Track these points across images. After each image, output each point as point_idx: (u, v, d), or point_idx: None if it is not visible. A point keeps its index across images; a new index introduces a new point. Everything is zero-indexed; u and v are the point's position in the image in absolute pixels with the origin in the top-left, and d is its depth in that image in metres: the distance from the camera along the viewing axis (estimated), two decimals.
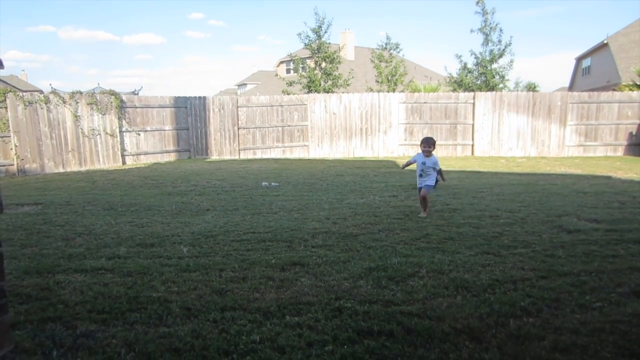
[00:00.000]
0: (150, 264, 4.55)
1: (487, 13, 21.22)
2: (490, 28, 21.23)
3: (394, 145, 18.12)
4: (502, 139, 17.64)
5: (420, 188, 6.78)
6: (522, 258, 4.64)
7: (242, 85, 52.00)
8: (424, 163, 6.71)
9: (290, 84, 23.07)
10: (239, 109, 17.78)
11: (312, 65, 23.26)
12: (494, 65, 21.75)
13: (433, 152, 6.73)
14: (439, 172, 6.81)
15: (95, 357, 2.75)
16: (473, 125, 17.67)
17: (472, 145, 17.81)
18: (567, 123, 17.60)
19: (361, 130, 18.18)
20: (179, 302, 3.57)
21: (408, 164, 7.11)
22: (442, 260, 4.54)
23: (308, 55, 24.27)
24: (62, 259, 4.76)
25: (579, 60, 37.33)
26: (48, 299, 3.65)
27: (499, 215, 6.69)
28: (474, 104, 17.67)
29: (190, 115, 17.30)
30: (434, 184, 6.76)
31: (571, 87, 38.18)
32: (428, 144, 6.73)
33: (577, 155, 17.55)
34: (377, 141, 18.18)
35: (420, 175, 6.77)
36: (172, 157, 16.91)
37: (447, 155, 17.52)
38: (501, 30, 21.26)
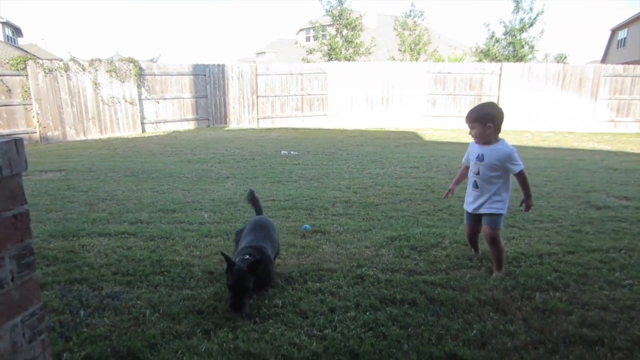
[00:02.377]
0: (172, 229, 4.58)
1: None
2: None
3: (416, 116, 17.79)
4: (528, 112, 17.13)
5: (473, 217, 3.61)
6: (548, 232, 4.53)
7: (260, 53, 51.43)
8: (479, 159, 3.44)
9: (311, 51, 22.71)
10: (258, 77, 17.60)
11: (333, 32, 22.79)
12: (524, 35, 20.98)
13: (495, 137, 3.41)
14: (521, 180, 3.44)
15: (121, 317, 2.79)
16: (498, 97, 17.19)
17: None
18: (599, 97, 16.94)
19: (382, 100, 17.88)
20: (201, 266, 3.60)
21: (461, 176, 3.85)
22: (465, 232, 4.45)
23: (329, 23, 23.77)
24: (86, 223, 4.82)
25: (614, 31, 35.75)
26: (74, 261, 3.71)
27: None
28: (500, 75, 17.15)
29: (209, 83, 17.20)
30: (503, 211, 3.45)
31: (604, 60, 36.72)
32: (468, 120, 3.46)
33: (607, 131, 16.88)
34: (398, 112, 17.87)
35: (475, 186, 3.51)
36: (191, 126, 16.93)
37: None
38: None
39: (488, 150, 3.40)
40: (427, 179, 7.24)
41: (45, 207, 5.51)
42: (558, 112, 17.08)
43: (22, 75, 12.98)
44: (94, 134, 14.46)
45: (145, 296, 3.08)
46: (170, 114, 16.42)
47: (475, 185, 3.48)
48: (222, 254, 2.97)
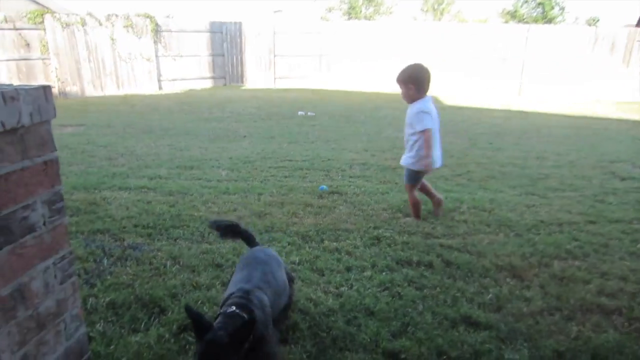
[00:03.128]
0: (190, 185, 4.63)
1: None
2: None
3: (435, 80, 17.38)
4: (553, 77, 16.57)
5: None
6: (569, 201, 4.46)
7: (278, 11, 50.34)
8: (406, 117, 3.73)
9: (330, 10, 22.14)
10: (275, 35, 17.27)
11: None
12: None
13: (419, 99, 3.60)
14: (425, 139, 3.53)
15: (143, 267, 2.86)
16: (524, 61, 16.61)
17: (520, 84, 16.89)
18: (631, 63, 16.17)
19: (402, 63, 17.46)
20: None
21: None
22: (484, 198, 4.43)
23: None
24: (107, 177, 4.89)
25: None
26: (96, 213, 3.78)
27: (546, 157, 6.42)
28: (527, 37, 16.52)
29: (225, 41, 16.95)
30: (412, 166, 3.70)
31: None
32: (398, 81, 3.65)
33: (638, 100, 16.16)
34: None
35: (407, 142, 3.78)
36: (207, 84, 16.82)
37: (489, 96, 16.75)
38: None
39: (408, 109, 3.66)
40: (446, 143, 7.05)
41: (66, 161, 5.58)
42: (585, 78, 16.43)
43: (39, 30, 12.92)
44: (111, 90, 14.47)
45: (165, 248, 3.14)
46: (186, 72, 16.30)
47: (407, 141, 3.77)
48: (187, 309, 1.62)
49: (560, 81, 16.53)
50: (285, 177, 5.07)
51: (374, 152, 6.36)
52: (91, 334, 2.11)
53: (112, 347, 2.05)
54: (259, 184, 4.74)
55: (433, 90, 13.33)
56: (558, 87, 16.54)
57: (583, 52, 16.33)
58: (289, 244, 3.27)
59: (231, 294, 1.85)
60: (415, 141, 3.61)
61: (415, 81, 3.55)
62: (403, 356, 2.10)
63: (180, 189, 4.50)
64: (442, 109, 11.77)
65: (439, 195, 4.00)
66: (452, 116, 10.42)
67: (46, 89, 1.37)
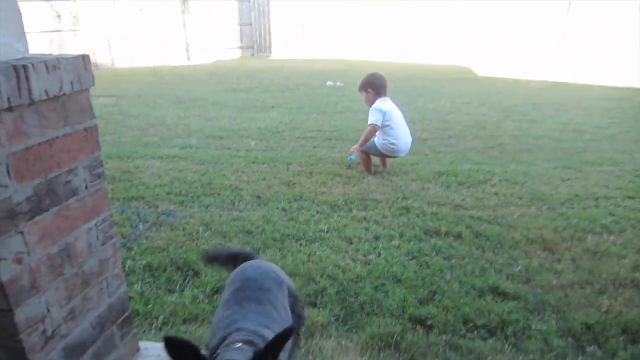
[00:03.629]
0: (220, 155, 4.70)
1: None
2: None
3: (469, 49, 16.87)
4: (596, 47, 15.79)
5: None
6: (607, 176, 4.32)
7: None
8: None
9: None
10: (302, 3, 16.98)
11: None
12: None
13: (379, 99, 4.26)
14: (368, 128, 4.21)
15: (177, 232, 2.96)
16: (564, 30, 15.86)
17: (559, 54, 16.19)
18: None
19: (432, 33, 16.96)
20: (249, 191, 3.71)
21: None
22: (517, 171, 4.34)
23: None
24: (139, 147, 5.01)
25: None
26: (130, 181, 3.90)
27: (584, 130, 6.18)
28: (569, 3, 15.72)
29: (253, 10, 16.81)
30: (379, 145, 4.22)
31: None
32: (362, 86, 4.39)
33: None
34: (449, 45, 16.97)
35: None
36: (235, 54, 16.80)
37: (526, 66, 16.11)
38: None
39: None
40: (479, 115, 6.97)
41: (100, 131, 5.58)
42: (632, 49, 15.48)
43: (70, 1, 13.06)
44: (140, 61, 14.60)
45: (197, 215, 3.23)
46: (214, 42, 16.29)
47: None
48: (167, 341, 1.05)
49: (603, 51, 15.72)
50: (314, 147, 5.08)
51: None
52: (130, 294, 2.21)
53: (149, 306, 2.16)
54: (287, 154, 4.78)
55: (467, 61, 12.95)
56: (601, 57, 15.75)
57: (629, 21, 15.42)
58: (317, 213, 3.31)
59: (225, 336, 1.27)
60: (380, 131, 4.22)
61: (371, 86, 4.28)
62: (429, 322, 2.14)
63: (210, 158, 4.57)
64: (475, 80, 11.47)
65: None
66: (485, 87, 10.13)
67: (85, 58, 1.41)
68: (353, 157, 4.55)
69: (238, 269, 1.61)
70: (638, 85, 11.26)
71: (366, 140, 4.21)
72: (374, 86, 4.28)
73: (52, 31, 12.92)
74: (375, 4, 16.89)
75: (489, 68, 13.96)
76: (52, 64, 1.26)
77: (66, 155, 1.35)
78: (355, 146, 4.27)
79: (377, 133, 4.25)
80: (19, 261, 1.16)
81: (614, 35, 15.63)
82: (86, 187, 1.43)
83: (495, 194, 3.76)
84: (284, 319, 1.42)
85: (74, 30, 13.28)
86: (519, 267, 2.65)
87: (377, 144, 4.22)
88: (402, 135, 4.21)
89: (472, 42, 16.79)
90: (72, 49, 13.33)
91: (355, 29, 17.38)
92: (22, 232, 1.16)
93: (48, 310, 1.27)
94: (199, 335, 1.97)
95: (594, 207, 3.56)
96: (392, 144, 4.15)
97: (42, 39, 12.75)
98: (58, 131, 1.31)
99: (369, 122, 4.19)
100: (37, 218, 1.21)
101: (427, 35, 17.04)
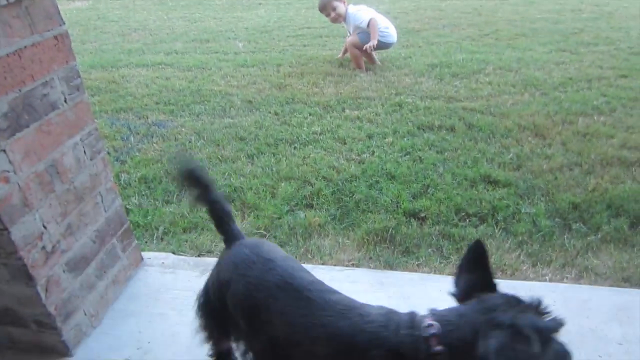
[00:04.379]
0: (207, 59, 4.54)
1: None
2: None
3: None
4: None
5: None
6: (602, 56, 4.21)
7: None
8: (349, 33, 4.35)
9: None
10: None
11: None
12: None
13: (348, 10, 4.23)
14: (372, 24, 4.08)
15: (169, 142, 2.96)
16: None
17: None
18: None
19: None
20: (239, 96, 3.64)
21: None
22: (511, 57, 4.22)
23: None
24: (122, 54, 4.82)
25: None
26: (117, 92, 3.81)
27: (582, 8, 5.91)
28: None
29: None
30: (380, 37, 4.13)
31: None
32: (324, 9, 4.30)
33: None
34: None
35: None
36: None
37: None
38: None
39: (347, 25, 4.29)
40: (475, 0, 6.61)
41: (79, 38, 5.48)
42: None
43: None
44: None
45: (188, 124, 3.20)
46: None
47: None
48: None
49: None
50: (304, 46, 4.89)
51: (396, 15, 5.96)
52: (128, 207, 2.27)
53: (149, 217, 2.22)
54: (277, 55, 4.61)
55: None
56: None
57: None
58: (310, 115, 3.28)
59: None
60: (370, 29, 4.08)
61: (329, 5, 4.15)
62: (423, 214, 2.21)
63: (197, 63, 4.42)
64: None
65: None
66: None
67: None
68: None
69: (235, 250, 1.14)
70: None
71: (376, 31, 4.01)
72: None
73: None
74: None
75: None
76: None
77: (38, 67, 1.30)
78: (372, 41, 3.99)
79: (362, 32, 4.11)
80: (5, 180, 1.17)
81: None
82: (65, 101, 1.40)
83: (489, 83, 3.70)
84: None
85: None
86: (511, 155, 2.69)
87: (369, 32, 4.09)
88: (389, 23, 4.17)
89: None
90: None
91: None
92: (4, 150, 1.15)
93: (45, 227, 1.31)
94: (201, 242, 2.04)
95: (587, 90, 3.53)
96: (386, 27, 4.10)
97: None
98: (25, 40, 1.25)
99: (367, 20, 4.03)
100: (17, 135, 1.20)
101: None
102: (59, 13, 1.38)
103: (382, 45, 4.14)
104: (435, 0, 6.72)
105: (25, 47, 1.24)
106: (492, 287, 0.88)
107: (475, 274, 0.90)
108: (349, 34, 4.32)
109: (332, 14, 4.19)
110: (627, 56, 4.19)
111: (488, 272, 0.90)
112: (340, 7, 4.16)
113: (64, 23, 1.39)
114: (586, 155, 2.63)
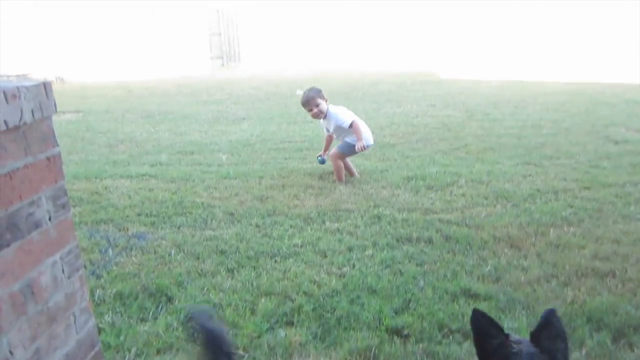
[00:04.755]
0: (191, 171, 4.67)
1: None
2: None
3: (431, 52, 17.22)
4: (549, 46, 16.38)
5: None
6: (564, 169, 4.50)
7: None
8: (327, 131, 4.57)
9: None
10: (271, 13, 17.03)
11: None
12: None
13: (329, 109, 4.38)
14: (354, 128, 4.27)
15: (148, 256, 2.92)
16: (516, 31, 16.33)
17: (514, 53, 16.70)
18: None
19: (395, 39, 17.24)
20: (221, 208, 3.69)
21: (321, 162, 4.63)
22: (482, 170, 4.47)
23: None
24: (108, 165, 4.93)
25: None
26: (99, 203, 3.84)
27: (541, 125, 6.42)
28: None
29: (222, 19, 16.76)
30: (353, 141, 4.29)
31: None
32: (307, 104, 4.41)
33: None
34: (409, 50, 17.29)
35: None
36: (205, 64, 16.67)
37: (485, 66, 16.51)
38: None
39: (327, 121, 4.44)
40: (444, 117, 7.13)
41: (66, 149, 5.61)
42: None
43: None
44: (108, 75, 14.35)
45: (169, 236, 3.20)
46: (183, 53, 16.12)
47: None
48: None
49: (553, 49, 16.34)
50: (286, 159, 5.11)
51: (372, 130, 6.30)
52: (100, 325, 2.17)
53: (121, 337, 2.11)
54: (259, 167, 4.78)
55: (429, 64, 13.17)
56: (551, 55, 16.36)
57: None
58: (291, 227, 3.32)
59: None
60: (352, 133, 4.29)
61: (319, 96, 4.34)
62: (406, 332, 2.17)
63: (181, 175, 4.54)
64: (438, 82, 11.70)
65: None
66: (448, 89, 10.36)
67: (46, 85, 1.39)
68: (322, 159, 4.56)
69: None
70: (586, 79, 11.73)
71: (360, 133, 4.21)
72: (322, 94, 4.38)
73: (18, 45, 12.66)
74: (340, 12, 17.07)
75: (450, 70, 14.27)
76: (11, 94, 1.23)
77: (28, 187, 1.32)
78: (359, 143, 4.17)
79: (342, 133, 4.35)
80: None
81: (560, 33, 16.27)
82: (50, 219, 1.41)
83: (463, 195, 3.86)
84: None
85: (40, 44, 13.01)
86: (489, 267, 2.73)
87: (350, 142, 4.28)
88: (366, 126, 4.41)
89: (433, 46, 17.14)
90: (38, 63, 13.04)
91: (322, 37, 17.50)
92: None
93: (11, 353, 1.24)
94: None
95: (554, 201, 3.71)
96: (365, 130, 4.31)
97: (6, 52, 12.46)
98: (18, 162, 1.29)
99: (349, 122, 4.23)
100: None
101: (390, 42, 17.30)
102: (54, 136, 1.45)
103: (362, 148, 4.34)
104: (407, 116, 7.22)
105: (17, 168, 1.29)
106: None
107: None
108: (326, 131, 4.55)
109: (315, 110, 4.35)
110: (587, 169, 4.48)
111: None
112: (323, 105, 4.35)
113: (58, 145, 1.46)
114: (561, 267, 2.69)
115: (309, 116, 7.40)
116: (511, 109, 7.68)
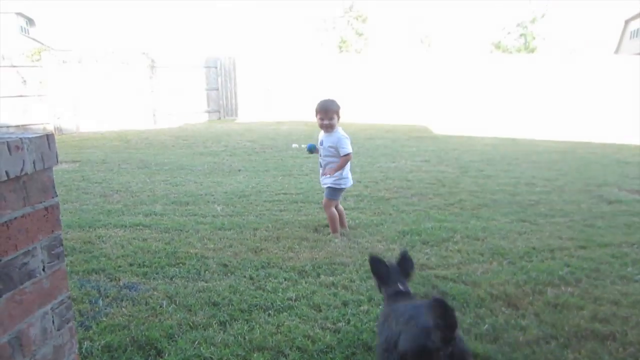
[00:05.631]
0: (186, 222, 4.64)
1: None
2: None
3: (425, 109, 17.72)
4: (540, 104, 16.98)
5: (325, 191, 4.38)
6: (559, 227, 4.52)
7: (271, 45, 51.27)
8: (321, 143, 4.33)
9: (322, 44, 22.67)
10: (268, 69, 17.59)
11: (343, 24, 22.74)
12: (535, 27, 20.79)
13: (338, 129, 4.25)
14: (343, 160, 4.14)
15: (139, 307, 2.85)
16: (511, 89, 16.99)
17: (508, 112, 17.25)
18: None
19: (389, 95, 17.78)
20: (215, 259, 3.65)
21: (311, 149, 4.58)
22: (477, 227, 4.48)
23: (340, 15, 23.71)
24: (102, 215, 4.90)
25: (628, 22, 35.48)
26: (91, 252, 3.79)
27: (535, 183, 6.52)
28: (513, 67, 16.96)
29: (220, 75, 17.24)
30: (336, 184, 4.23)
31: (617, 51, 36.38)
32: (326, 112, 4.18)
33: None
34: (407, 107, 17.80)
35: (321, 166, 4.37)
36: (202, 118, 17.00)
37: (478, 123, 17.04)
38: None
39: (326, 136, 4.27)
40: (438, 172, 7.23)
41: (61, 198, 5.59)
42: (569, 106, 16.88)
43: (37, 67, 13.12)
44: (107, 126, 14.58)
45: (161, 287, 3.14)
46: (181, 106, 16.48)
47: (321, 165, 4.35)
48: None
49: (547, 108, 16.94)
50: (281, 210, 5.10)
51: (367, 184, 6.42)
52: None
53: None
54: (254, 219, 4.77)
55: (423, 120, 13.56)
56: (545, 113, 16.94)
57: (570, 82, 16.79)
58: (285, 280, 3.28)
59: None
60: (340, 159, 4.16)
61: (339, 112, 4.23)
62: None
63: (175, 225, 4.51)
64: (432, 138, 11.95)
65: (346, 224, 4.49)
66: (442, 145, 10.56)
67: (49, 137, 1.41)
68: (310, 145, 4.57)
69: None
70: (577, 139, 12.05)
71: (343, 167, 4.12)
72: (339, 112, 4.24)
73: (18, 96, 12.86)
74: (335, 65, 17.69)
75: (444, 126, 14.62)
76: (15, 145, 1.25)
77: (24, 237, 1.32)
78: (334, 172, 4.08)
79: (329, 156, 4.20)
80: None
81: (553, 93, 16.91)
82: (44, 269, 1.40)
83: (458, 251, 3.85)
84: None
85: (39, 95, 13.24)
86: (486, 326, 2.68)
87: (330, 178, 4.17)
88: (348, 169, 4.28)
89: (427, 102, 17.66)
90: (37, 113, 13.21)
91: (317, 91, 17.99)
92: None
93: None
94: None
95: (551, 259, 3.69)
96: (348, 172, 4.24)
97: (6, 104, 12.64)
98: (17, 212, 1.29)
99: (347, 151, 4.11)
100: None
101: (384, 96, 17.82)
102: (54, 186, 1.46)
103: (341, 186, 4.24)
104: (402, 171, 7.31)
105: (15, 218, 1.28)
106: None
107: None
108: (320, 143, 4.32)
109: (327, 122, 4.16)
110: (582, 228, 4.51)
111: None
112: (336, 120, 4.20)
113: (57, 195, 1.47)
114: (560, 328, 2.65)
115: (304, 168, 7.61)
116: (504, 166, 7.81)
